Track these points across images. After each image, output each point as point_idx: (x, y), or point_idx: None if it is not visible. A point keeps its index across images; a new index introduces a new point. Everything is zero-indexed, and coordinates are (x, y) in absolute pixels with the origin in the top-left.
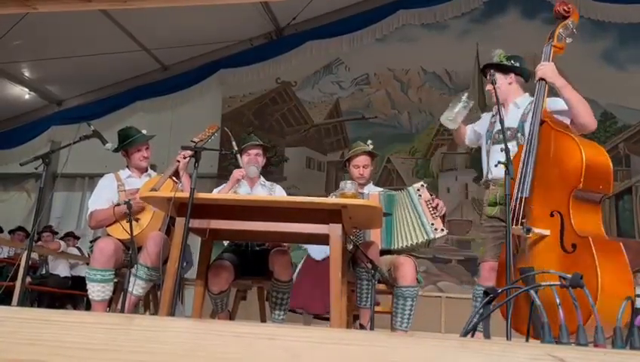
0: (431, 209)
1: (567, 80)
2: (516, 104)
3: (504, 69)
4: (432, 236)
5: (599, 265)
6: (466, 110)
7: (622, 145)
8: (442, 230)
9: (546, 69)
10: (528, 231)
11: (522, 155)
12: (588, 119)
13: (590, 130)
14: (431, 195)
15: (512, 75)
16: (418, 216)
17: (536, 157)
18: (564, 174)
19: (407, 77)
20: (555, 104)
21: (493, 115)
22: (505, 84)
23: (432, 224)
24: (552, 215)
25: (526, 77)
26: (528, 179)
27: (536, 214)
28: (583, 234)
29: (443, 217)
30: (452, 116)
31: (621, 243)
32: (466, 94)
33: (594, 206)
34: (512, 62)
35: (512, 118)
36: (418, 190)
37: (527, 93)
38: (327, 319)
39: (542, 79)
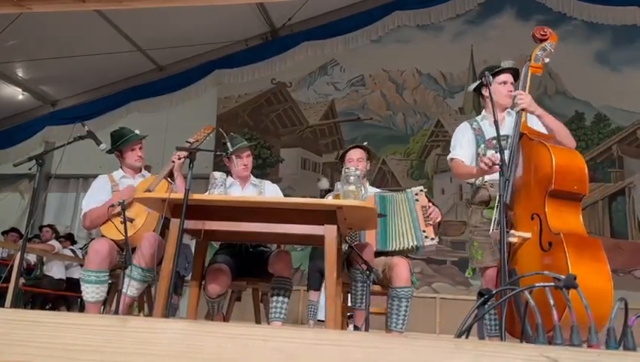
0: (425, 215)
1: (562, 82)
2: (510, 113)
3: (517, 77)
4: (420, 243)
5: (570, 259)
6: None
7: (615, 146)
8: (432, 238)
9: (527, 101)
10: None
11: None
12: (567, 141)
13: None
14: (429, 201)
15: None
16: (412, 221)
17: (522, 168)
18: (539, 178)
19: (403, 78)
20: (530, 122)
21: (477, 121)
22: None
23: (424, 231)
24: (532, 218)
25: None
26: (508, 188)
27: (519, 219)
28: (557, 231)
29: (436, 226)
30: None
31: (599, 240)
32: None
33: (572, 206)
34: None
35: (508, 126)
36: (416, 194)
37: None
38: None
39: (523, 110)
